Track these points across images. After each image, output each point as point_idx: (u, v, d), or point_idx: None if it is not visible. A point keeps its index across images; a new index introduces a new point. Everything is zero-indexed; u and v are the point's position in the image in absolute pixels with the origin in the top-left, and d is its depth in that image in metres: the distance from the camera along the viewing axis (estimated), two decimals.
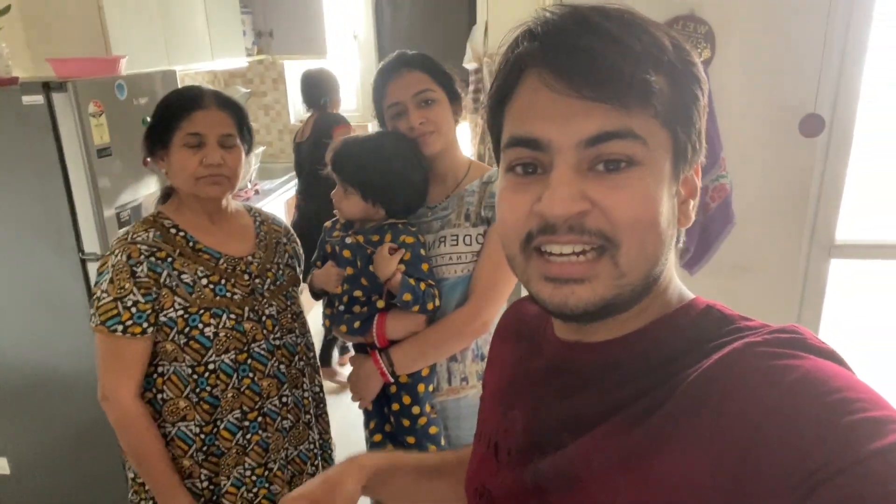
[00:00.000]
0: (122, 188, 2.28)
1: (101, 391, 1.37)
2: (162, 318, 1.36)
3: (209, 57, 3.66)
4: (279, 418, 1.51)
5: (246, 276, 1.46)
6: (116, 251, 1.35)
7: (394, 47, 4.69)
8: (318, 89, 3.48)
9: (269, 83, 4.83)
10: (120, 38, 2.76)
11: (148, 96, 2.41)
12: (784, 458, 0.43)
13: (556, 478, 0.59)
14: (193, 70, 3.75)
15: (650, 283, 0.57)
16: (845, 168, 1.88)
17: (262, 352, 1.47)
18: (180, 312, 1.36)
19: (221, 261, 1.44)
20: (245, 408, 1.45)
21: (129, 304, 1.32)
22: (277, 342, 1.50)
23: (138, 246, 1.35)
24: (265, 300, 1.49)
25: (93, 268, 2.19)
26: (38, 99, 2.03)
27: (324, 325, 1.56)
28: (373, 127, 4.86)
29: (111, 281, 1.33)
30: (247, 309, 1.44)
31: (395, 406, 1.49)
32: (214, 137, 1.38)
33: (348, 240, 1.47)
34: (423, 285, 1.40)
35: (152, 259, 1.35)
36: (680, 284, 0.62)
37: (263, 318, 1.47)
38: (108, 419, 1.39)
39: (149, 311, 1.34)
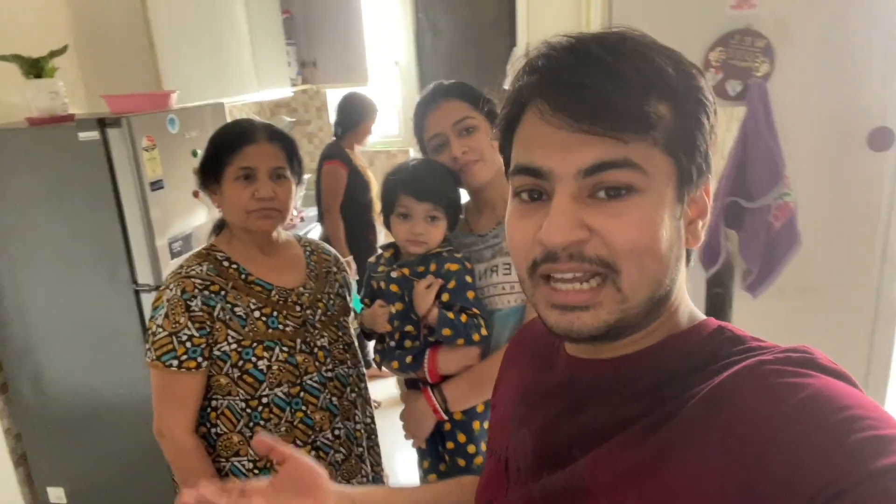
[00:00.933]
0: (174, 220, 2.31)
1: (157, 426, 1.37)
2: (216, 352, 1.35)
3: (256, 88, 3.72)
4: (332, 451, 1.48)
5: (297, 308, 1.45)
6: (171, 285, 1.35)
7: (435, 73, 4.75)
8: (339, 116, 3.49)
9: (313, 111, 4.90)
10: (171, 72, 2.83)
11: (198, 129, 2.45)
12: (793, 474, 0.43)
13: (565, 493, 0.59)
14: (241, 102, 3.82)
15: (655, 305, 0.58)
16: None
17: (315, 384, 1.44)
18: (234, 346, 1.35)
19: (273, 292, 1.43)
20: (298, 442, 1.42)
21: (184, 338, 1.32)
22: (329, 374, 1.48)
23: (192, 280, 1.35)
24: (317, 331, 1.47)
25: (146, 298, 2.21)
26: (94, 135, 2.08)
27: (374, 360, 1.53)
28: (414, 153, 4.88)
29: (166, 316, 1.33)
30: (299, 341, 1.43)
31: (450, 445, 1.44)
32: (265, 171, 1.38)
33: (394, 274, 1.43)
34: (464, 317, 1.36)
35: (206, 293, 1.34)
36: (691, 305, 0.62)
37: (315, 349, 1.46)
38: (164, 454, 1.38)
39: (203, 346, 1.33)
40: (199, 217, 2.45)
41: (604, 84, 0.53)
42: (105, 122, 2.08)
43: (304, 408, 1.42)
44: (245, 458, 1.39)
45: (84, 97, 2.75)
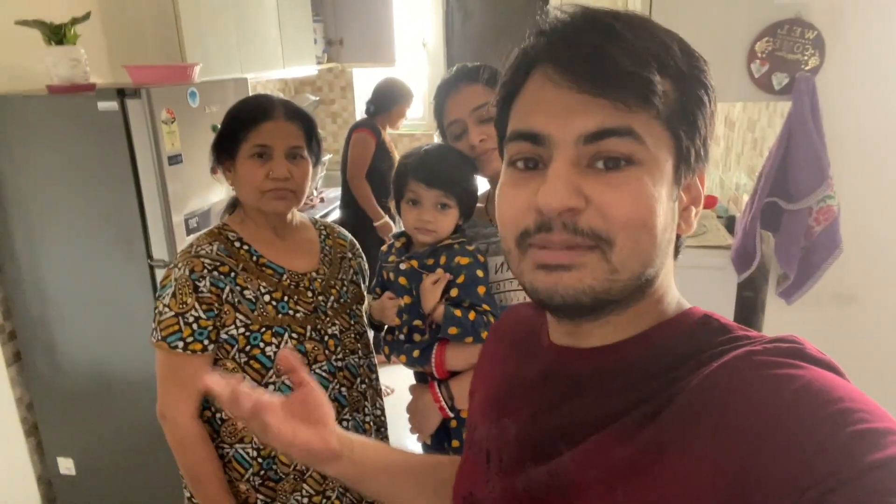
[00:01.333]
0: (192, 195, 2.28)
1: (160, 409, 1.33)
2: (223, 336, 1.31)
3: (281, 65, 3.68)
4: None
5: (309, 293, 1.40)
6: (180, 264, 1.31)
7: (463, 56, 4.66)
8: (374, 96, 3.51)
9: (338, 91, 4.85)
10: (195, 45, 2.79)
11: (219, 104, 2.41)
12: (786, 468, 0.42)
13: (551, 487, 0.58)
14: (265, 78, 3.78)
15: (642, 284, 0.56)
16: None
17: (324, 373, 1.40)
18: (242, 330, 1.31)
19: (285, 276, 1.38)
20: None
21: (191, 319, 1.28)
22: (339, 363, 1.43)
23: (202, 259, 1.30)
24: (328, 318, 1.42)
25: (160, 274, 2.18)
26: (113, 105, 2.04)
27: (382, 351, 1.48)
28: (439, 137, 4.80)
29: (173, 295, 1.28)
30: (309, 328, 1.38)
31: (455, 443, 1.39)
32: (282, 150, 1.33)
33: (403, 266, 1.38)
34: (472, 314, 1.30)
35: (215, 273, 1.30)
36: (678, 294, 0.61)
37: (326, 337, 1.41)
38: (166, 438, 1.35)
39: (210, 328, 1.29)
40: (217, 194, 2.41)
41: (612, 48, 0.52)
42: (125, 93, 2.04)
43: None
44: (249, 446, 1.35)
45: (108, 67, 2.72)
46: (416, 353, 1.37)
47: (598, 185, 0.53)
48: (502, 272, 1.36)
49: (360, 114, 4.80)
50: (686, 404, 0.50)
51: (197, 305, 1.28)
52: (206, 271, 1.29)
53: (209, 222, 2.33)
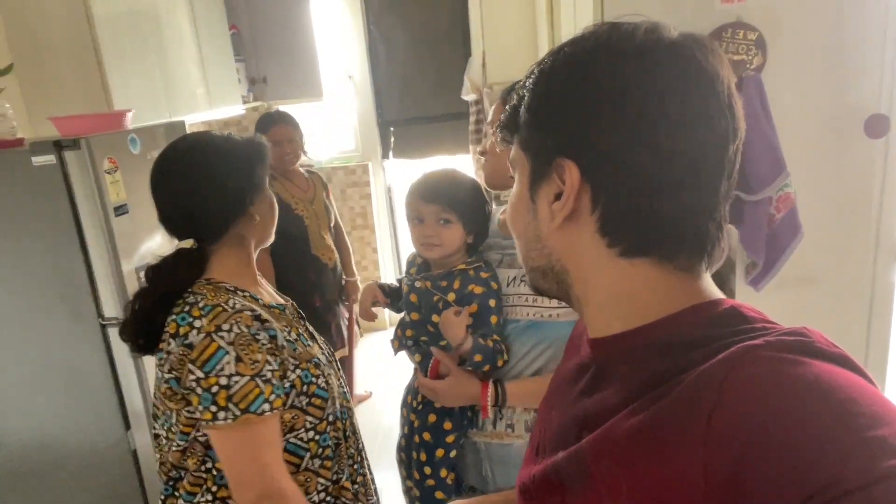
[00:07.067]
0: (140, 247, 2.15)
1: (265, 490, 1.12)
2: (286, 384, 1.20)
3: (208, 106, 3.57)
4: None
5: (300, 320, 1.37)
6: (223, 326, 1.12)
7: (390, 86, 4.60)
8: None
9: None
10: (121, 92, 2.66)
11: (159, 149, 2.30)
12: (782, 473, 0.40)
13: (571, 473, 0.59)
14: (192, 121, 3.65)
15: (544, 274, 0.65)
16: None
17: (340, 383, 1.38)
18: (297, 372, 1.22)
19: (286, 311, 1.34)
20: (351, 450, 1.36)
21: (269, 376, 1.14)
22: (335, 365, 1.42)
23: (244, 313, 1.16)
24: (318, 338, 1.41)
25: (114, 334, 2.04)
26: (50, 159, 1.92)
27: (392, 344, 1.49)
28: (373, 167, 4.78)
29: (239, 360, 1.11)
30: (316, 346, 1.35)
31: (422, 456, 1.42)
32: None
33: (417, 283, 1.38)
34: (489, 341, 1.30)
35: (264, 323, 1.18)
36: (712, 286, 0.60)
37: (328, 350, 1.41)
38: None
39: (282, 377, 1.19)
40: (166, 244, 2.29)
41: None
42: (62, 145, 1.92)
43: (347, 415, 1.35)
44: (314, 494, 1.25)
45: (26, 121, 2.55)
46: (417, 358, 1.41)
47: None
48: (514, 286, 1.36)
49: None
50: (682, 396, 0.49)
51: (270, 359, 1.15)
52: (257, 323, 1.16)
53: None
